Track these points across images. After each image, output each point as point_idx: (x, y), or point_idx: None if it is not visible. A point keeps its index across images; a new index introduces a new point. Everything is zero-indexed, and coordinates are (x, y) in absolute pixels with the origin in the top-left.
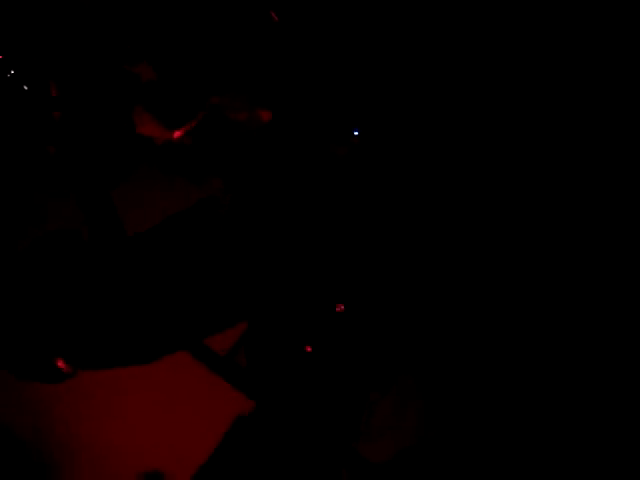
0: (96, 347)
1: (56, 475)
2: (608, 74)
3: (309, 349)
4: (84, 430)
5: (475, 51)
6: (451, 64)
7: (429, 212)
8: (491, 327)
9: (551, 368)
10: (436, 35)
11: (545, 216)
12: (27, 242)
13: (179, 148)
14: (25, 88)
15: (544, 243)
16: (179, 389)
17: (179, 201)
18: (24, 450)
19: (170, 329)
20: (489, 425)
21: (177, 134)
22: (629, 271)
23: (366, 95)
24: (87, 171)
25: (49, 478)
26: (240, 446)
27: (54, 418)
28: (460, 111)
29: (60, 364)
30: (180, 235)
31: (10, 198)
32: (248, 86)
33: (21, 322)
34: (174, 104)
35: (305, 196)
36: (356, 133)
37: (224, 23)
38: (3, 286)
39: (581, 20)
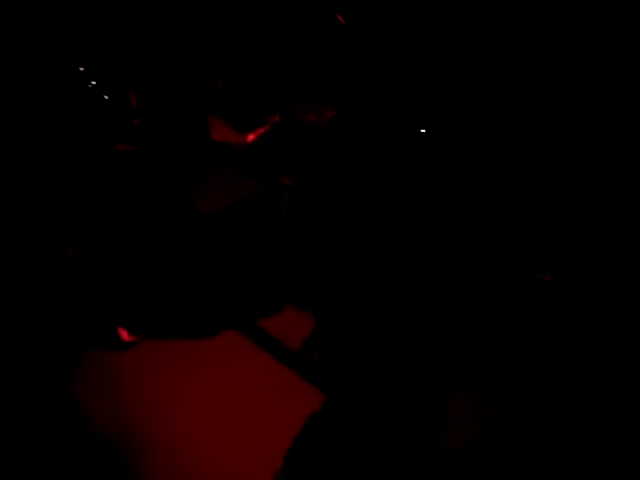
0: (155, 318)
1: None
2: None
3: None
4: (160, 418)
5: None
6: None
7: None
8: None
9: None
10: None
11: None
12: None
13: (252, 150)
14: (105, 98)
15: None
16: (254, 383)
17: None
18: (102, 437)
19: (220, 307)
20: (559, 419)
21: (250, 138)
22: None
23: (433, 93)
24: (165, 171)
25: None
26: (319, 440)
27: (130, 409)
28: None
29: (123, 334)
30: (241, 221)
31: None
32: (317, 89)
33: (90, 296)
34: (247, 110)
35: (367, 189)
36: (423, 130)
37: (293, 28)
38: (78, 262)
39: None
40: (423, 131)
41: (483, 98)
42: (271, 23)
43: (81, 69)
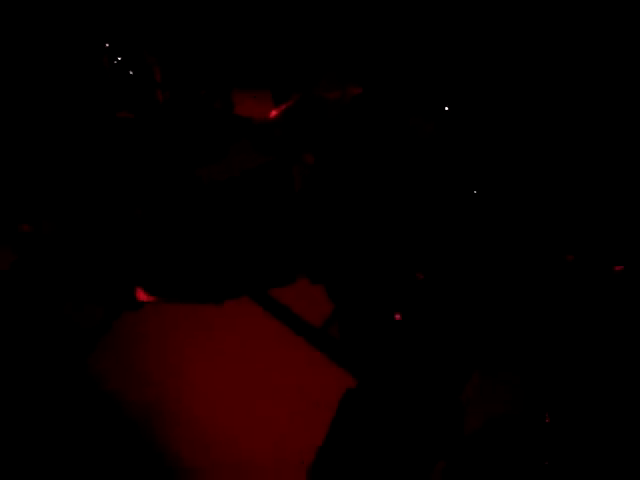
0: (170, 280)
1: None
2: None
3: (398, 317)
4: (181, 389)
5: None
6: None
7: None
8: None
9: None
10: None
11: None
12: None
13: (275, 126)
14: (130, 73)
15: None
16: (274, 357)
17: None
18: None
19: (234, 273)
20: (577, 402)
21: (273, 113)
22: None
23: (457, 72)
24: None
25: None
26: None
27: (151, 379)
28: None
29: (140, 294)
30: (255, 190)
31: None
32: (342, 67)
33: (110, 257)
34: (270, 86)
35: (388, 167)
36: (445, 109)
37: (316, 6)
38: (96, 225)
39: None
40: (445, 109)
41: (505, 77)
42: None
43: (107, 45)
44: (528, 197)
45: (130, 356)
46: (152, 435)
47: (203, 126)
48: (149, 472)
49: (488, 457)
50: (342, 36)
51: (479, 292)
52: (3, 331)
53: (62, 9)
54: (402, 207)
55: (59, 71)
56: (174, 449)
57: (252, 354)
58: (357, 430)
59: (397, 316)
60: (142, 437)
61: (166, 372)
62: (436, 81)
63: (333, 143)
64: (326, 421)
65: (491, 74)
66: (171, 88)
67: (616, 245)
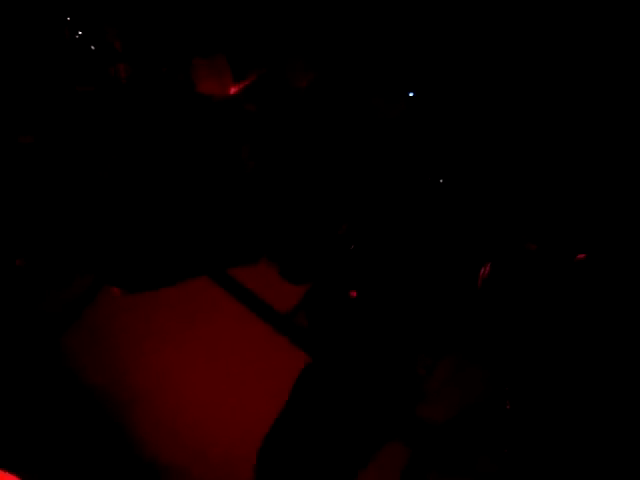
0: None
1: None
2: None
3: (354, 294)
4: (147, 373)
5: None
6: None
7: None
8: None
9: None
10: None
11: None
12: None
13: (238, 107)
14: (92, 48)
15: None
16: (243, 347)
17: None
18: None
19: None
20: (546, 392)
21: (233, 90)
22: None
23: (423, 59)
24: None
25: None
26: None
27: (119, 362)
28: None
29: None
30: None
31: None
32: (309, 51)
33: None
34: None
35: (352, 149)
36: (411, 94)
37: None
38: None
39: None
40: (411, 95)
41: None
42: None
43: (68, 18)
44: (493, 184)
45: (99, 340)
46: (117, 418)
47: (166, 101)
48: (113, 452)
49: (454, 443)
50: (305, 16)
51: (444, 279)
52: None
53: None
54: (365, 189)
55: (20, 45)
56: (138, 431)
57: (220, 341)
58: (304, 411)
59: (352, 293)
60: (108, 420)
61: (133, 357)
62: (400, 63)
63: (297, 127)
64: None
65: (459, 57)
66: (133, 63)
67: (578, 234)
